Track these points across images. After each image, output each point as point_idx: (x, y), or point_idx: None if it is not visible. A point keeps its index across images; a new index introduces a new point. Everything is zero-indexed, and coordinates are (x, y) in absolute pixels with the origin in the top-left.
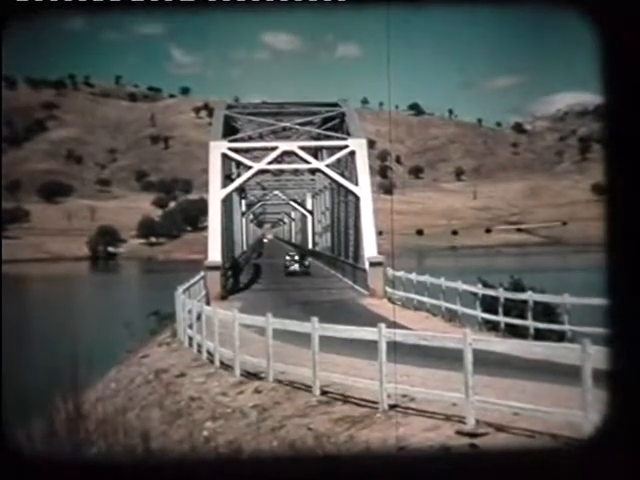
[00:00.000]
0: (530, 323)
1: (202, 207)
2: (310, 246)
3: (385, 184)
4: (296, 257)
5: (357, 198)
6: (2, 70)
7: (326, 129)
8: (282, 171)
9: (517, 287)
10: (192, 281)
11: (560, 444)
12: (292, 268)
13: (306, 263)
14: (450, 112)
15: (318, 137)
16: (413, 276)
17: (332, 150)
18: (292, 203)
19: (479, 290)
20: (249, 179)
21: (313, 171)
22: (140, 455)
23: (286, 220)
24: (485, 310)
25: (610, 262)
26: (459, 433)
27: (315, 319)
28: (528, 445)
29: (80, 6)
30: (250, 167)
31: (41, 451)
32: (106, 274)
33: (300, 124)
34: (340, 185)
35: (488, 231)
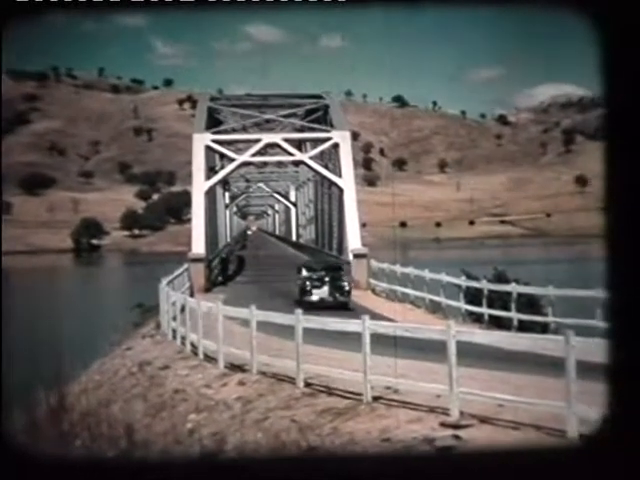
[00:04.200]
0: (514, 315)
1: (186, 199)
2: (294, 238)
3: (369, 176)
4: (321, 275)
5: (341, 190)
6: (1, 70)
7: (310, 121)
8: (266, 163)
9: (501, 279)
10: (176, 273)
11: (559, 444)
12: (316, 298)
13: (345, 286)
14: (434, 104)
15: (302, 129)
16: (397, 268)
17: (316, 142)
18: (276, 195)
19: (463, 282)
20: (233, 171)
21: (297, 163)
22: (140, 455)
23: (270, 212)
24: (469, 302)
25: (610, 255)
26: (443, 425)
27: (299, 311)
28: (528, 445)
29: (80, 6)
30: (234, 159)
31: (41, 451)
32: (89, 266)
33: (284, 116)
34: (324, 177)
35: (472, 223)
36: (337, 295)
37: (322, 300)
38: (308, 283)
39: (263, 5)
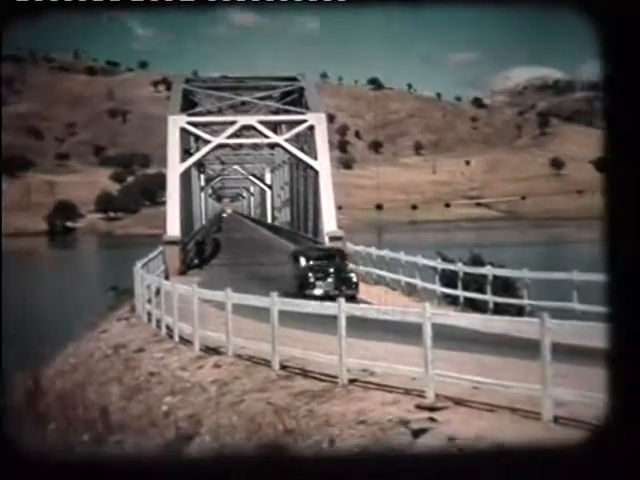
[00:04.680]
0: (489, 297)
1: (161, 181)
2: (269, 221)
3: (345, 159)
4: (323, 265)
5: (316, 172)
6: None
7: (285, 103)
8: (241, 145)
9: (476, 261)
10: (151, 256)
11: (559, 444)
12: (320, 291)
13: (352, 277)
14: (409, 86)
15: (277, 111)
16: (372, 250)
17: (291, 124)
18: (251, 178)
19: (438, 264)
20: (208, 153)
21: (272, 145)
22: (140, 455)
23: (245, 195)
24: (444, 284)
25: (609, 239)
26: (419, 407)
27: (274, 294)
28: (527, 445)
29: (80, 6)
30: (209, 141)
31: (41, 451)
32: (64, 249)
33: (259, 98)
34: (299, 159)
35: (447, 205)
36: (344, 288)
37: (327, 294)
38: (311, 274)
39: (263, 5)
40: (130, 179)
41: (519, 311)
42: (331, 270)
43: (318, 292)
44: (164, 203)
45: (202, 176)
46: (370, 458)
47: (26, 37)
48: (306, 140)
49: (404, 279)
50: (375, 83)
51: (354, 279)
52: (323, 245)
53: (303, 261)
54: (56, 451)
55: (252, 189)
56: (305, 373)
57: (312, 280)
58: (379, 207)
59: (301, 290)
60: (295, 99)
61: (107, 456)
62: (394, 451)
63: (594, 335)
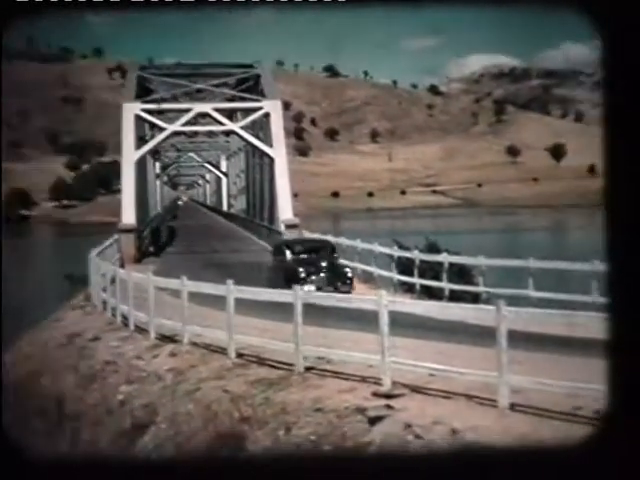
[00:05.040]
0: (445, 285)
1: (115, 169)
2: (225, 208)
3: (300, 146)
4: (314, 259)
5: (272, 160)
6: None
7: (241, 91)
8: (196, 133)
9: (432, 249)
10: (106, 244)
11: (559, 443)
12: (312, 287)
13: (347, 272)
14: (365, 74)
15: (233, 99)
16: (328, 238)
17: (247, 112)
18: (207, 165)
19: (394, 252)
20: (163, 141)
21: (228, 133)
22: (140, 455)
23: (201, 182)
24: (401, 272)
25: (609, 227)
26: (375, 394)
27: (230, 281)
28: (526, 445)
29: (80, 6)
30: (164, 129)
31: (41, 451)
32: (18, 237)
33: (214, 85)
34: (255, 147)
35: (403, 193)
36: (339, 284)
37: (320, 290)
38: (301, 269)
39: (263, 4)
40: (85, 167)
41: (475, 298)
42: (323, 264)
43: (309, 288)
44: (119, 191)
45: (157, 164)
46: (368, 458)
47: None
48: (262, 127)
49: (360, 267)
50: (331, 70)
51: (349, 274)
52: (309, 237)
53: (288, 254)
54: (56, 451)
55: (208, 177)
56: (262, 361)
57: (303, 275)
58: (335, 195)
59: (288, 285)
60: (251, 86)
61: (107, 456)
62: (393, 451)
63: (549, 322)
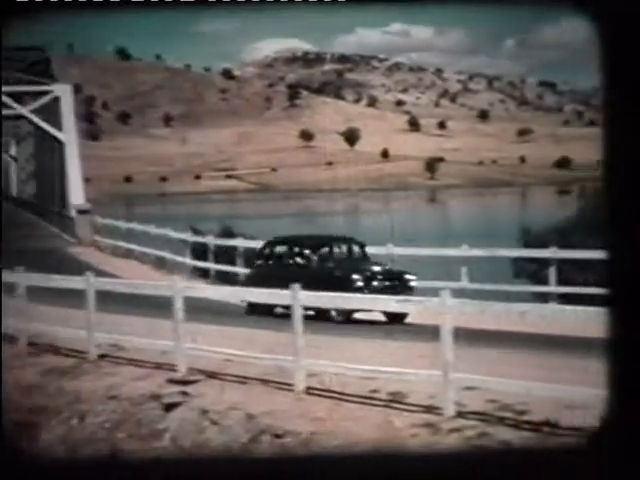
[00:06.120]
0: (240, 269)
1: None
2: (14, 194)
3: (92, 130)
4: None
5: (62, 144)
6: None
7: (31, 74)
8: None
9: (227, 234)
10: None
11: (559, 443)
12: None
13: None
14: (158, 57)
15: (21, 81)
16: (121, 223)
17: (36, 96)
18: None
19: (188, 237)
20: None
21: (17, 117)
22: (140, 455)
23: None
24: (195, 257)
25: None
26: (170, 381)
27: (20, 268)
28: (526, 445)
29: (80, 6)
30: None
31: (41, 451)
32: None
33: (2, 68)
34: (45, 131)
35: (198, 177)
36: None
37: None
38: (356, 276)
39: (263, 4)
40: None
41: None
42: (377, 269)
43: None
44: None
45: None
46: (365, 458)
47: None
48: (52, 111)
49: (153, 252)
50: (123, 53)
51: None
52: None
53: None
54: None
55: None
56: (55, 350)
57: (360, 284)
58: (128, 179)
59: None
60: (42, 70)
61: (107, 457)
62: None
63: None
